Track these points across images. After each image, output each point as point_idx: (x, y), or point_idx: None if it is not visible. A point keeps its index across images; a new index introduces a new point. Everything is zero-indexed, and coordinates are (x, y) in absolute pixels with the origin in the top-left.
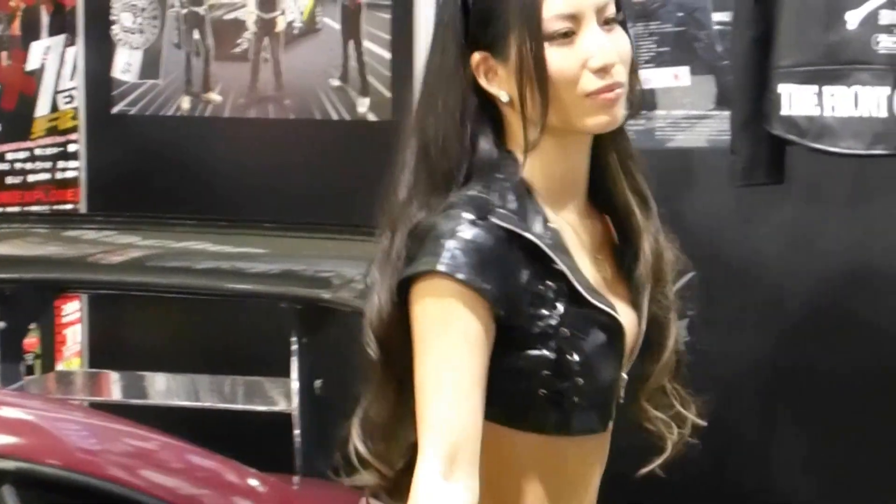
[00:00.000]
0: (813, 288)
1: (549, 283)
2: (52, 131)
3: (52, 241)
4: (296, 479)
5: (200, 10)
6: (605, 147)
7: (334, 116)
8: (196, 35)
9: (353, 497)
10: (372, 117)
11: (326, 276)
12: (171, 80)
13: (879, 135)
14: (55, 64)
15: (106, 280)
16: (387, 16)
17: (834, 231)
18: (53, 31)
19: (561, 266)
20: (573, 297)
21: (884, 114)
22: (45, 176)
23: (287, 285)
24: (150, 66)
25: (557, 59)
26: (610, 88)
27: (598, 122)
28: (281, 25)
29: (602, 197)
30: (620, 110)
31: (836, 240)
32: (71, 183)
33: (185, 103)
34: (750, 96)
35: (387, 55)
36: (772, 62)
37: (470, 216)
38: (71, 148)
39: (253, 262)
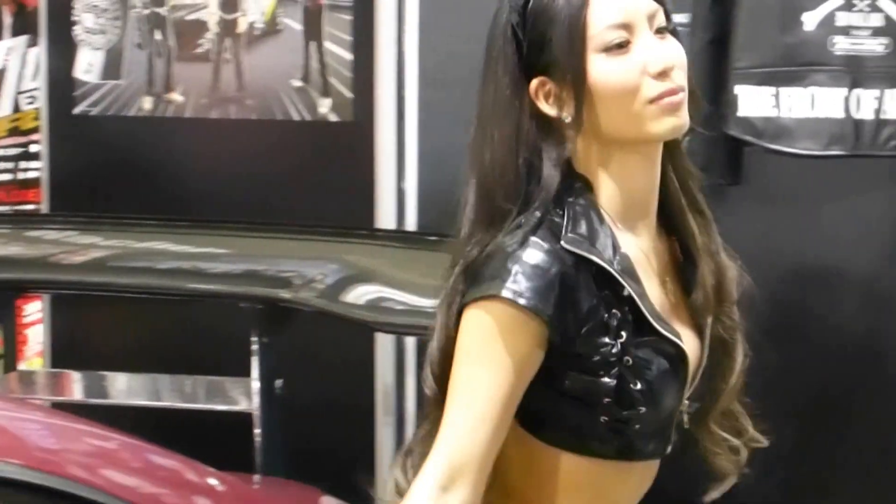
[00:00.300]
0: (769, 288)
1: (615, 311)
2: (14, 132)
3: (14, 242)
4: (256, 478)
5: (162, 10)
6: (664, 164)
7: (296, 117)
8: (158, 36)
9: (311, 495)
10: (333, 118)
11: (287, 276)
12: (132, 80)
13: (836, 136)
14: (17, 64)
15: (68, 280)
16: (348, 17)
17: (790, 232)
18: (15, 32)
19: (630, 292)
20: (639, 325)
21: (840, 115)
22: (7, 176)
23: (248, 285)
24: (112, 66)
25: (616, 69)
26: (673, 92)
27: (665, 126)
28: (242, 26)
29: (665, 217)
30: (685, 114)
31: (792, 240)
32: (33, 183)
33: (147, 104)
34: (707, 98)
35: (348, 56)
36: (729, 64)
37: (537, 239)
38: (33, 148)
39: (214, 263)
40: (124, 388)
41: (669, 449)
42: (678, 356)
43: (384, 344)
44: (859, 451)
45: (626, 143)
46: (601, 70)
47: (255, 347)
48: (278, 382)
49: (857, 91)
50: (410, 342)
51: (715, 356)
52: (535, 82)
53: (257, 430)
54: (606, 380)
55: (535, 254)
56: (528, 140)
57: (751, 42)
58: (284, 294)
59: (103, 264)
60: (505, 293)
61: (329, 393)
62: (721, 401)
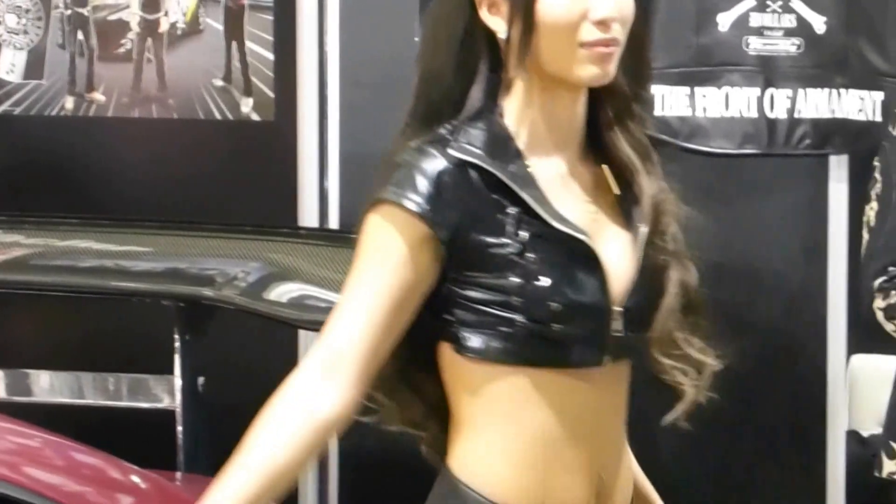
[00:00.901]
0: None
1: (510, 212)
2: None
3: None
4: (178, 475)
5: (84, 11)
6: (603, 105)
7: (218, 116)
8: (80, 36)
9: None
10: (255, 117)
11: (209, 274)
12: (55, 80)
13: (749, 134)
14: None
15: None
16: (269, 17)
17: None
18: None
19: (521, 193)
20: (538, 225)
21: (754, 114)
22: None
23: (170, 283)
24: (35, 66)
25: (560, 4)
26: (606, 43)
27: (588, 73)
28: (164, 26)
29: (603, 149)
30: (612, 66)
31: (707, 237)
32: None
33: (69, 103)
34: None
35: (269, 56)
36: None
37: (428, 147)
38: None
39: (136, 261)
40: (47, 385)
41: (607, 359)
42: (586, 252)
43: (307, 342)
44: (778, 443)
45: (550, 77)
46: (545, 0)
47: (177, 345)
48: (200, 380)
49: (770, 91)
50: None
51: (651, 281)
52: None
53: (180, 428)
54: (513, 279)
55: (422, 159)
56: (468, 48)
57: (666, 43)
58: (207, 292)
59: (25, 263)
60: (388, 195)
61: (252, 390)
62: (658, 326)
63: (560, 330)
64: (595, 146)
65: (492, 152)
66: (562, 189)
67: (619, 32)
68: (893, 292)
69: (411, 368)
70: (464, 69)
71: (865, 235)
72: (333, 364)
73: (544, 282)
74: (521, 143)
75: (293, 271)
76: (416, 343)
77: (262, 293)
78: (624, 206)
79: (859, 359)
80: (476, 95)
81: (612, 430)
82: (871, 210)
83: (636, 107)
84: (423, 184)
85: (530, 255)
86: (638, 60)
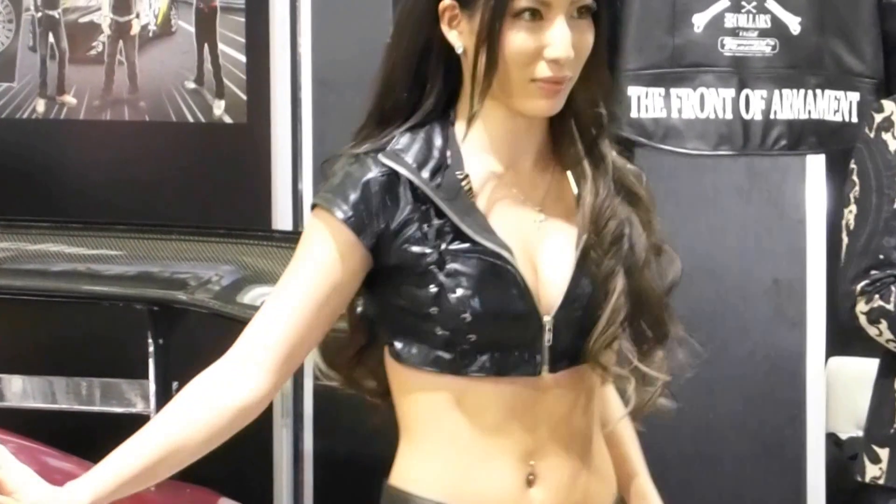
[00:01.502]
0: None
1: (434, 222)
2: None
3: None
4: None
5: (55, 13)
6: (565, 114)
7: (190, 119)
8: (51, 38)
9: (207, 497)
10: (227, 119)
11: (182, 277)
12: (25, 82)
13: (724, 136)
14: None
15: None
16: (241, 19)
17: (680, 231)
18: None
19: (441, 205)
20: (458, 236)
21: (728, 115)
22: None
23: (143, 287)
24: (5, 69)
25: (518, 38)
26: (556, 81)
27: (535, 106)
28: (136, 28)
29: (565, 156)
30: (560, 101)
31: (683, 239)
32: None
33: (40, 106)
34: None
35: (242, 58)
36: (619, 66)
37: (361, 155)
38: None
39: (109, 265)
40: (19, 390)
41: (544, 370)
42: (502, 263)
43: None
44: (757, 446)
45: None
46: (505, 31)
47: (150, 349)
48: (175, 384)
49: (745, 91)
50: None
51: (591, 292)
52: (444, 2)
53: None
54: (431, 288)
55: (354, 167)
56: (425, 58)
57: (640, 44)
58: (180, 296)
59: None
60: (319, 200)
61: None
62: (597, 336)
63: (476, 340)
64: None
65: (424, 162)
66: (505, 196)
67: (573, 69)
68: (876, 296)
69: (371, 356)
70: (420, 79)
71: (845, 239)
72: (250, 353)
73: (458, 293)
74: (467, 152)
75: (267, 274)
76: (374, 334)
77: (235, 297)
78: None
79: (837, 361)
80: (428, 104)
81: (553, 429)
82: (850, 213)
83: (595, 113)
84: (351, 192)
85: (448, 267)
86: (593, 70)
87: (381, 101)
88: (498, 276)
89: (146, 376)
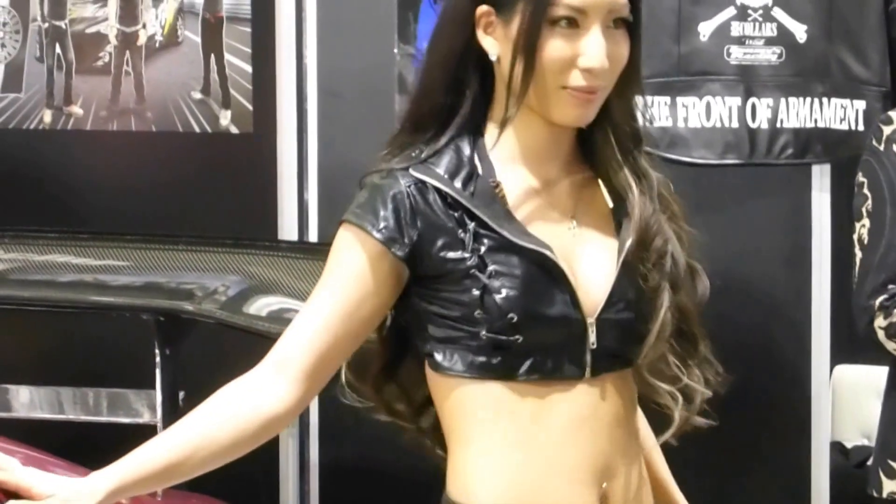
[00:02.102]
0: None
1: (470, 227)
2: None
3: None
4: (158, 490)
5: (62, 24)
6: (602, 124)
7: (196, 129)
8: (58, 49)
9: None
10: (234, 130)
11: (189, 287)
12: (32, 93)
13: (731, 144)
14: None
15: None
16: (247, 29)
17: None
18: None
19: (475, 210)
20: (498, 239)
21: (735, 124)
22: None
23: (150, 297)
24: (12, 79)
25: (554, 46)
26: (589, 90)
27: (566, 115)
28: (142, 39)
29: (597, 165)
30: (593, 110)
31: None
32: None
33: (47, 117)
34: None
35: (248, 68)
36: None
37: (392, 169)
38: None
39: (115, 275)
40: (26, 400)
41: (588, 373)
42: (548, 266)
43: None
44: (762, 454)
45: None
46: (542, 38)
47: (157, 360)
48: (181, 394)
49: (752, 100)
50: None
51: (640, 308)
52: (482, 8)
53: None
54: (474, 291)
55: (383, 182)
56: (462, 65)
57: (646, 52)
58: (187, 306)
59: (4, 277)
60: (350, 217)
61: None
62: (647, 350)
63: (523, 341)
64: (592, 159)
65: (455, 172)
66: (537, 203)
67: (606, 77)
68: (895, 311)
69: (401, 371)
70: (457, 84)
71: (858, 253)
72: (282, 363)
73: (504, 293)
74: (497, 160)
75: (273, 284)
76: (405, 348)
77: (242, 307)
78: (616, 220)
79: (842, 369)
80: (464, 112)
81: (611, 441)
82: (863, 227)
83: (632, 126)
84: (381, 207)
85: (490, 269)
86: (631, 83)
87: (417, 106)
88: (542, 275)
89: (153, 387)
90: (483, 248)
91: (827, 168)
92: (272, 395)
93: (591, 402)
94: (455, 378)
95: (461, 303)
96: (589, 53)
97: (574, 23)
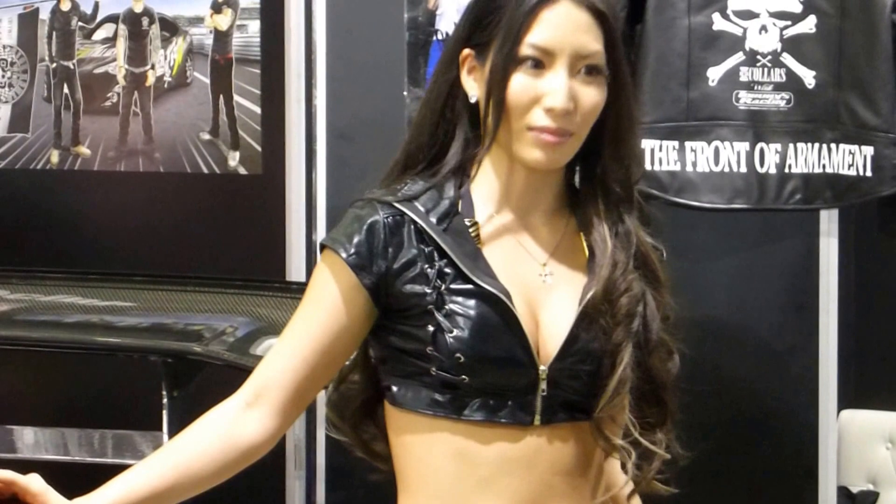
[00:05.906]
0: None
1: (436, 263)
2: None
3: None
4: None
5: (70, 64)
6: (592, 182)
7: (205, 170)
8: (65, 89)
9: None
10: (242, 171)
11: (197, 329)
12: (40, 133)
13: (739, 189)
14: None
15: None
16: (256, 70)
17: (697, 283)
18: None
19: (444, 247)
20: (459, 278)
21: (743, 169)
22: None
23: (157, 339)
24: (20, 119)
25: (519, 85)
26: (554, 131)
27: (531, 156)
28: (151, 80)
29: (582, 218)
30: (560, 155)
31: (698, 292)
32: None
33: (55, 157)
34: None
35: (257, 109)
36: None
37: (374, 199)
38: None
39: (123, 316)
40: (31, 442)
41: (537, 420)
42: (504, 310)
43: None
44: (769, 499)
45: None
46: (510, 78)
47: (164, 401)
48: None
49: (760, 145)
50: (321, 395)
51: (599, 365)
52: (465, 52)
53: None
54: (429, 328)
55: (363, 210)
56: (450, 105)
57: (655, 97)
58: (194, 348)
59: (11, 318)
60: (327, 241)
61: None
62: (601, 405)
63: (469, 382)
64: (577, 212)
65: (433, 207)
66: (512, 247)
67: (574, 124)
68: None
69: (378, 411)
70: (445, 125)
71: None
72: (258, 394)
73: (454, 333)
74: (479, 200)
75: (282, 326)
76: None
77: (250, 348)
78: (590, 272)
79: (849, 414)
80: (453, 151)
81: (549, 489)
82: None
83: (626, 190)
84: (356, 234)
85: (447, 307)
86: (624, 143)
87: (408, 143)
88: (496, 320)
89: (159, 428)
90: (444, 286)
91: (835, 213)
92: (250, 426)
93: (533, 448)
94: (407, 413)
95: (417, 338)
96: (551, 93)
97: (541, 64)
